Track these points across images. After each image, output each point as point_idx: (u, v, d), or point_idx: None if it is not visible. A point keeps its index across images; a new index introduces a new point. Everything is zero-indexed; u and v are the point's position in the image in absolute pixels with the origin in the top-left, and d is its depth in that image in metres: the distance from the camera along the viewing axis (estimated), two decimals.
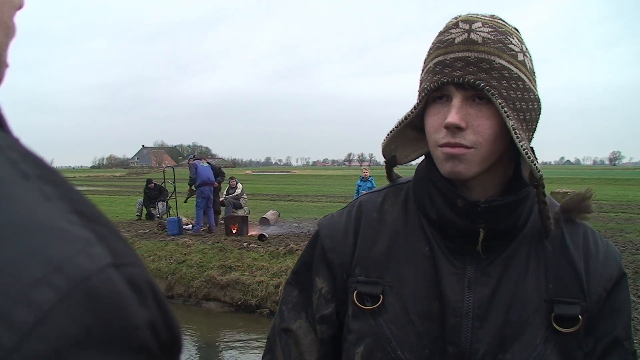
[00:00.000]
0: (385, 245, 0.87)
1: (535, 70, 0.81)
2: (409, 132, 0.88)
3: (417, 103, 0.80)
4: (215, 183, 10.93)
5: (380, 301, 0.83)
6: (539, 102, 0.80)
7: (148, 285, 0.32)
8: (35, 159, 0.35)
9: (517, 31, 0.80)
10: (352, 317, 0.85)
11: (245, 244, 9.35)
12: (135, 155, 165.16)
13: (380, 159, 0.93)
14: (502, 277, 0.81)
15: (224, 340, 7.18)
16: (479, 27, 0.75)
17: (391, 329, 0.81)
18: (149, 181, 14.63)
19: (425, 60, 0.81)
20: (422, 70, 0.82)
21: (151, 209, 14.06)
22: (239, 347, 6.87)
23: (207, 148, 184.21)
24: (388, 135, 0.86)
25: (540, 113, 0.81)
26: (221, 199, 11.97)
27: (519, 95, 0.75)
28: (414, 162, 0.96)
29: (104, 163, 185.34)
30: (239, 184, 12.78)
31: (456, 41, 0.75)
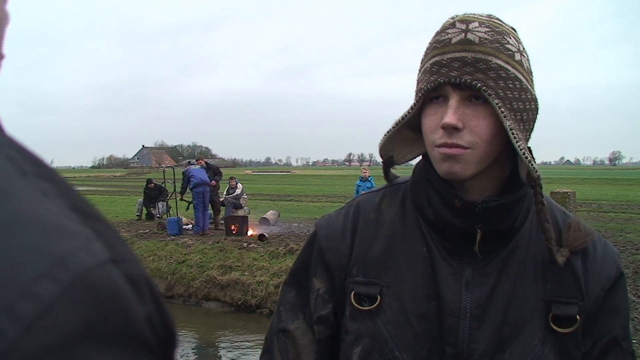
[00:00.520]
0: (383, 245, 0.87)
1: (532, 70, 0.81)
2: (406, 132, 0.88)
3: (414, 103, 0.80)
4: (213, 182, 10.95)
5: (377, 302, 0.83)
6: (536, 102, 0.80)
7: (145, 281, 0.33)
8: (33, 156, 0.35)
9: (514, 31, 0.79)
10: (349, 318, 0.85)
11: (245, 244, 9.36)
12: (135, 155, 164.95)
13: (380, 159, 0.93)
14: (499, 278, 0.81)
15: (224, 340, 7.19)
16: (475, 27, 0.74)
17: (389, 329, 0.81)
18: (149, 181, 14.64)
19: (422, 60, 0.81)
20: (419, 71, 0.82)
21: (151, 209, 14.08)
22: (239, 347, 6.87)
23: (207, 148, 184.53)
24: (385, 135, 0.86)
25: (537, 113, 0.81)
26: (221, 199, 11.98)
27: (516, 95, 0.75)
28: (411, 162, 0.96)
29: (104, 163, 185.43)
30: (239, 184, 12.79)
31: (453, 41, 0.75)
